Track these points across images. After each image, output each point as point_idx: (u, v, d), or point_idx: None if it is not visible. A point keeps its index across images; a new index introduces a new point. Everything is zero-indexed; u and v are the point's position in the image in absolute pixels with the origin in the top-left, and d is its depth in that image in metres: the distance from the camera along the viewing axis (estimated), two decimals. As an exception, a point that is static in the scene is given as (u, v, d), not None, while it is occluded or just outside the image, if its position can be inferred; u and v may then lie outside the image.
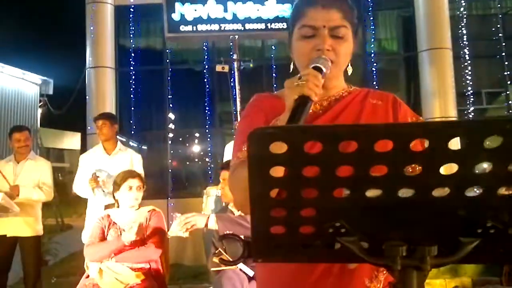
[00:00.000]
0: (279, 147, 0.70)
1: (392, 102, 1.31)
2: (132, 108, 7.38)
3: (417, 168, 0.70)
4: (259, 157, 0.72)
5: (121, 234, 3.09)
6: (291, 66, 1.35)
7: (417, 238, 0.79)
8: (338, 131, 0.71)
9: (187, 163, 8.74)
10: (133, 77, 7.42)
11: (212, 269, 2.54)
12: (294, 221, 0.80)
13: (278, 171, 0.72)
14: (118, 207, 3.33)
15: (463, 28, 7.16)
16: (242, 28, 5.37)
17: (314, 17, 1.23)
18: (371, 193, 0.74)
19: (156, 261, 3.07)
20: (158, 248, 3.08)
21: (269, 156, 0.70)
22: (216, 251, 2.59)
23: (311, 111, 1.17)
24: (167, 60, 7.43)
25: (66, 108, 14.95)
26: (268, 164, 0.72)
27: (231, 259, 2.31)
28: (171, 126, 7.56)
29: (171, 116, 7.51)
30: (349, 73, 1.32)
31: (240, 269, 2.43)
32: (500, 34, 7.28)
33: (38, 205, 4.58)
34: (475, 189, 0.73)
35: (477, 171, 0.70)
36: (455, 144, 0.68)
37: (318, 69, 1.15)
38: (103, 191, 4.26)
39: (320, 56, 1.20)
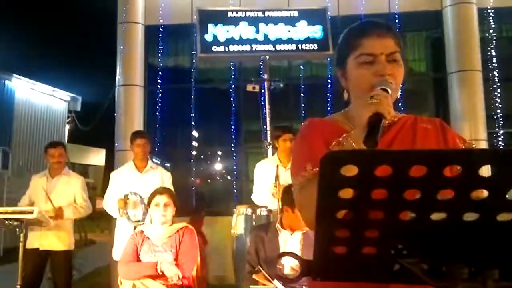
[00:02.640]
0: (349, 170, 0.72)
1: (440, 126, 1.36)
2: (157, 126, 7.48)
3: (483, 193, 0.72)
4: (330, 179, 0.74)
5: (155, 255, 3.13)
6: (345, 95, 1.41)
7: (479, 261, 0.80)
8: (409, 156, 0.73)
9: (211, 181, 8.79)
10: (161, 95, 7.54)
11: (251, 286, 2.55)
12: (357, 241, 0.82)
13: (346, 193, 0.74)
14: (151, 223, 3.37)
15: (492, 50, 7.11)
16: (273, 49, 5.44)
17: (371, 46, 1.29)
18: (436, 216, 0.76)
19: (189, 278, 3.10)
20: (191, 265, 3.11)
21: (340, 178, 0.73)
22: (256, 269, 2.60)
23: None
24: (194, 79, 7.54)
25: (93, 124, 15.25)
26: (338, 186, 0.74)
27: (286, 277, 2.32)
28: (196, 144, 7.63)
29: (196, 134, 7.59)
30: (397, 97, 1.36)
31: (276, 288, 2.44)
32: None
33: (71, 220, 4.66)
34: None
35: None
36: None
37: (385, 91, 1.20)
38: (128, 217, 4.28)
39: (383, 79, 1.25)
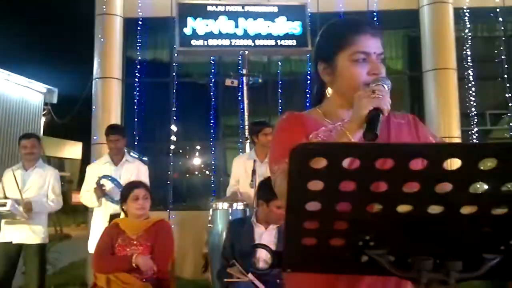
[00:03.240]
0: (319, 162, 0.73)
1: (413, 122, 1.40)
2: (136, 120, 7.41)
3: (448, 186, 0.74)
4: (299, 171, 0.75)
5: (130, 249, 3.12)
6: (329, 92, 1.40)
7: (443, 253, 0.83)
8: (376, 149, 0.75)
9: (189, 175, 8.76)
10: (139, 88, 7.47)
11: (226, 280, 2.56)
12: (326, 233, 0.83)
13: (316, 185, 0.76)
14: (127, 216, 3.35)
15: (467, 50, 7.23)
16: (252, 44, 5.46)
17: (366, 44, 1.30)
18: (402, 208, 0.78)
19: (164, 272, 3.09)
20: (166, 259, 3.11)
21: (309, 170, 0.74)
22: (230, 263, 2.62)
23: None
24: (173, 73, 7.48)
25: (70, 117, 15.04)
26: (307, 178, 0.75)
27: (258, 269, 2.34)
28: (174, 138, 7.59)
29: (174, 128, 7.55)
30: None
31: (252, 282, 2.45)
32: (503, 56, 7.34)
33: (45, 213, 4.60)
34: (501, 208, 0.76)
35: (504, 191, 0.74)
36: (485, 165, 0.72)
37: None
38: (111, 199, 4.28)
39: (379, 78, 1.26)
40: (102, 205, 4.34)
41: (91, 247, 4.24)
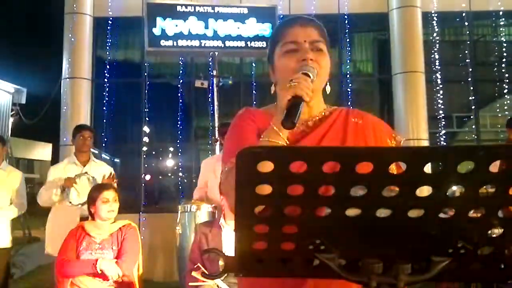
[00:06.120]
0: (266, 166, 0.73)
1: (371, 124, 1.39)
2: (104, 121, 7.31)
3: (395, 190, 0.74)
4: (247, 175, 0.74)
5: (95, 253, 3.07)
6: (272, 89, 1.41)
7: (392, 256, 0.83)
8: (322, 152, 0.74)
9: (161, 177, 8.68)
10: (109, 89, 7.37)
11: (190, 283, 2.54)
12: (276, 237, 0.82)
13: (264, 189, 0.75)
14: (94, 219, 3.29)
15: (435, 53, 7.36)
16: (222, 45, 5.46)
17: (294, 34, 1.34)
18: (351, 212, 0.78)
19: (129, 275, 3.05)
20: (132, 263, 3.06)
21: (256, 174, 0.73)
22: (195, 266, 2.59)
23: (297, 129, 1.27)
24: (145, 74, 7.40)
25: (39, 118, 14.72)
26: (255, 182, 0.74)
27: (211, 274, 2.32)
28: (146, 139, 7.51)
29: (146, 129, 7.48)
30: (328, 92, 1.40)
31: (218, 286, 2.43)
32: (467, 60, 7.50)
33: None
34: (448, 211, 0.77)
35: (449, 194, 0.74)
36: (430, 168, 0.72)
37: (306, 75, 1.23)
38: (77, 191, 4.19)
39: (305, 64, 1.27)
40: (63, 206, 4.23)
41: (49, 247, 4.14)
